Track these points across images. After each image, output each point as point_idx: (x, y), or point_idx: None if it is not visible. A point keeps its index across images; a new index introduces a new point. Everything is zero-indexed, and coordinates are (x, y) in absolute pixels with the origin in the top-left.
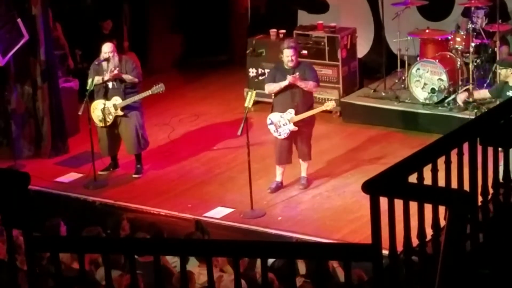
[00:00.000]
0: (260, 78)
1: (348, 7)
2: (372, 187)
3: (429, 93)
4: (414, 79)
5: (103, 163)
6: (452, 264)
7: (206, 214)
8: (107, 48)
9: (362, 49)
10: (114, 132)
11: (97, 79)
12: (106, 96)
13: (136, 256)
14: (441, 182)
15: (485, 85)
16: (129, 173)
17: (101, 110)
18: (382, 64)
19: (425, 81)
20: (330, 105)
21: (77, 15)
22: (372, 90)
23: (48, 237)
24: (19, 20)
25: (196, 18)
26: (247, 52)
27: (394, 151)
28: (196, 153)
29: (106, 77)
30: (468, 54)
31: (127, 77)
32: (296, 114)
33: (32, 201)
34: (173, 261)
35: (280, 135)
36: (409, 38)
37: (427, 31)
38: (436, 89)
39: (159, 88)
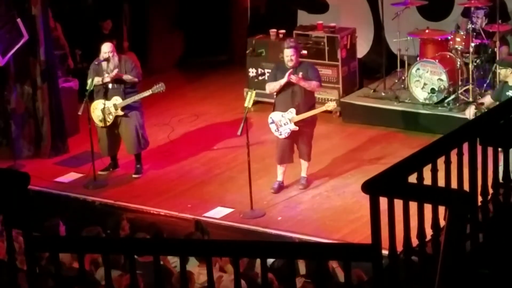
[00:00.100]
0: (260, 78)
1: (348, 7)
2: (372, 187)
3: (429, 93)
4: (414, 79)
5: (103, 163)
6: (452, 264)
7: (206, 214)
8: (106, 48)
9: (362, 49)
10: (114, 132)
11: (97, 80)
12: (106, 96)
13: (136, 256)
14: (441, 182)
15: (484, 85)
16: (129, 173)
17: (101, 110)
18: (382, 64)
19: (425, 81)
20: (331, 105)
21: (77, 15)
22: (372, 90)
23: (47, 237)
24: (19, 20)
25: (196, 18)
26: (247, 52)
27: (394, 151)
28: (196, 153)
29: (106, 78)
30: (468, 54)
31: (127, 77)
32: (297, 113)
33: (31, 201)
34: (173, 261)
35: (281, 134)
36: (409, 38)
37: (427, 31)
38: (436, 89)
39: (159, 87)
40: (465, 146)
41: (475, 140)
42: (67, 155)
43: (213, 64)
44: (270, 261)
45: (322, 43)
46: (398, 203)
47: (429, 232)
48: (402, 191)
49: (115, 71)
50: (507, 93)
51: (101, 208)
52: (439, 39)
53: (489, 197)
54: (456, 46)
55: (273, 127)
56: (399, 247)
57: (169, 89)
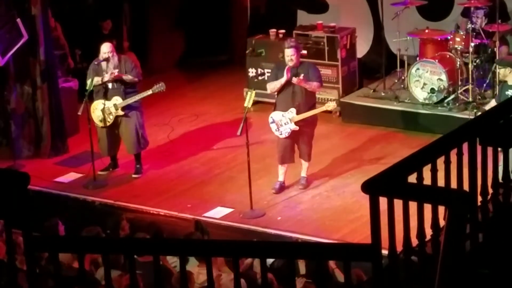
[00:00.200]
0: (260, 78)
1: (348, 7)
2: (372, 187)
3: (428, 93)
4: (414, 79)
5: (103, 163)
6: (452, 264)
7: (206, 214)
8: (106, 48)
9: (362, 49)
10: (114, 132)
11: (97, 80)
12: (106, 96)
13: (135, 256)
14: (441, 182)
15: (484, 85)
16: (128, 173)
17: (101, 110)
18: (382, 64)
19: (424, 81)
20: (331, 105)
21: (77, 15)
22: (372, 90)
23: (47, 237)
24: (18, 20)
25: (196, 18)
26: (247, 52)
27: (393, 151)
28: (195, 153)
29: (106, 78)
30: (467, 54)
31: (127, 77)
32: (297, 113)
33: (31, 201)
34: (172, 261)
35: (281, 134)
36: (408, 38)
37: (426, 31)
38: (436, 89)
39: (160, 87)
40: (465, 146)
41: (474, 140)
42: (67, 155)
43: (213, 64)
44: (269, 261)
45: (322, 43)
46: (398, 203)
47: (428, 232)
48: (402, 191)
49: (115, 71)
50: (506, 93)
51: (101, 208)
52: (439, 39)
53: (489, 197)
54: (456, 46)
55: (273, 126)
56: (399, 247)
57: (169, 89)
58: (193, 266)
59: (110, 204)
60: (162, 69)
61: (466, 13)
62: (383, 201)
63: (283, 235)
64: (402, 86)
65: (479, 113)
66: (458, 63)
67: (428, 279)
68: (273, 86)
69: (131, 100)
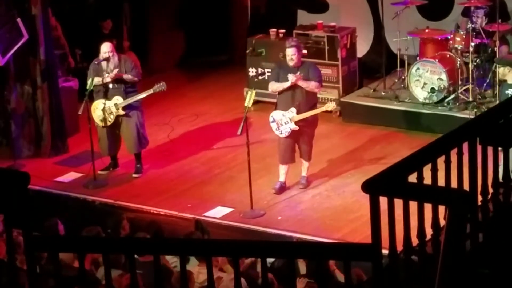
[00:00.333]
0: (260, 77)
1: (348, 7)
2: (372, 187)
3: (428, 92)
4: (414, 78)
5: (103, 162)
6: (452, 263)
7: (206, 214)
8: (106, 48)
9: (362, 48)
10: (114, 132)
11: (97, 80)
12: (106, 96)
13: (136, 256)
14: (441, 182)
15: (484, 84)
16: (128, 172)
17: (101, 110)
18: (382, 64)
19: (424, 81)
20: (331, 106)
21: (77, 14)
22: (372, 90)
23: (48, 237)
24: (18, 19)
25: (196, 18)
26: (247, 51)
27: (394, 151)
28: (195, 152)
29: (107, 78)
30: (467, 54)
31: (128, 77)
32: (297, 113)
33: (31, 201)
34: (172, 261)
35: (281, 133)
36: (408, 37)
37: (426, 30)
38: (436, 88)
39: (160, 86)
40: (465, 146)
41: (475, 139)
42: (67, 154)
43: (213, 64)
44: (270, 260)
45: (322, 43)
46: (398, 203)
47: (429, 231)
48: (402, 191)
49: (115, 71)
50: (506, 92)
51: (101, 208)
52: (439, 38)
53: (489, 196)
54: (456, 46)
55: (274, 125)
56: (399, 247)
57: (169, 88)
58: (193, 265)
59: (110, 203)
60: (162, 69)
61: (466, 13)
62: (383, 201)
63: (283, 234)
64: (402, 85)
65: (479, 112)
66: (458, 62)
67: (428, 279)
68: (275, 88)
69: (132, 100)
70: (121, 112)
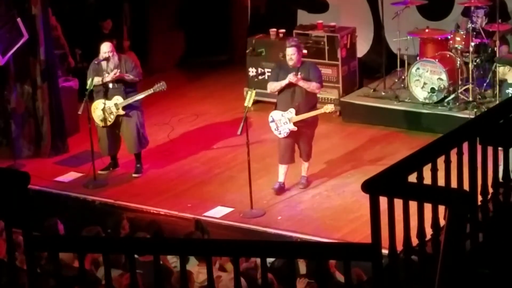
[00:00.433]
0: (260, 77)
1: (348, 7)
2: (372, 187)
3: (428, 92)
4: (414, 78)
5: (103, 162)
6: (452, 263)
7: (206, 214)
8: (106, 48)
9: (362, 48)
10: (114, 132)
11: (97, 80)
12: (106, 95)
13: (136, 256)
14: (441, 182)
15: (484, 84)
16: (128, 172)
17: (101, 109)
18: (382, 64)
19: (424, 81)
20: (329, 108)
21: (77, 14)
22: (372, 90)
23: (48, 237)
24: (19, 19)
25: (196, 18)
26: (247, 51)
27: (394, 151)
28: (195, 152)
29: (107, 78)
30: (467, 54)
31: (129, 77)
32: (297, 114)
33: (31, 201)
34: (172, 261)
35: (280, 133)
36: (408, 37)
37: (426, 30)
38: (436, 88)
39: (161, 86)
40: (465, 146)
41: (475, 139)
42: (67, 154)
43: (213, 64)
44: (270, 260)
45: (322, 43)
46: (398, 203)
47: (429, 231)
48: (402, 191)
49: (116, 71)
50: (507, 91)
51: (101, 208)
52: (439, 38)
53: (489, 196)
54: (456, 46)
55: (273, 125)
56: (399, 247)
57: (169, 88)
58: (193, 265)
59: (110, 203)
60: (162, 69)
61: (467, 13)
62: (383, 201)
63: (283, 234)
64: (402, 85)
65: (479, 112)
66: (458, 62)
67: (428, 278)
68: (273, 87)
69: (132, 100)
70: (121, 112)
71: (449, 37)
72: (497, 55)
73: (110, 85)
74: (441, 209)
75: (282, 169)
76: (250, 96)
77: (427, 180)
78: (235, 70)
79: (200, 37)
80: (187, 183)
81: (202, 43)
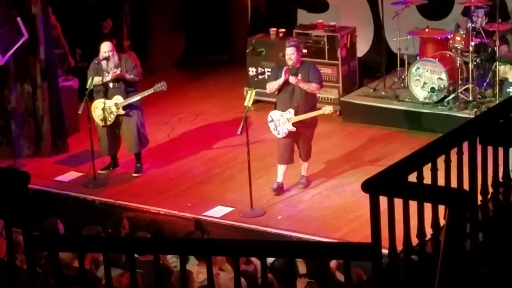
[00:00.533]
0: (260, 77)
1: (348, 6)
2: (372, 186)
3: (428, 92)
4: (414, 78)
5: (103, 162)
6: (452, 263)
7: (206, 213)
8: (106, 47)
9: (362, 48)
10: (114, 131)
11: (97, 79)
12: (106, 95)
13: (136, 255)
14: (441, 181)
15: (484, 84)
16: (129, 172)
17: (102, 109)
18: (382, 63)
19: (424, 80)
20: (327, 109)
21: (77, 14)
22: (372, 89)
23: (48, 236)
24: (18, 19)
25: (196, 18)
26: (247, 51)
27: (393, 151)
28: (195, 152)
29: (108, 77)
30: (467, 53)
31: (130, 76)
32: (296, 114)
33: (31, 200)
34: (172, 260)
35: (278, 133)
36: (408, 37)
37: (426, 30)
38: (436, 88)
39: (161, 86)
40: (465, 145)
41: (475, 139)
42: (67, 154)
43: (213, 64)
44: (270, 260)
45: (322, 42)
46: (398, 202)
47: (429, 231)
48: (402, 190)
49: (117, 70)
50: (508, 90)
51: (101, 207)
52: (439, 38)
53: (489, 196)
54: (456, 45)
55: (272, 125)
56: (399, 246)
57: (169, 88)
58: (193, 265)
59: (111, 203)
60: (163, 69)
61: (467, 12)
62: (383, 200)
63: (283, 234)
64: (402, 85)
65: (479, 112)
66: (458, 62)
67: (428, 278)
68: (271, 87)
69: (132, 99)
70: (121, 112)
71: (449, 36)
72: (497, 55)
73: (110, 85)
74: (441, 209)
75: (281, 169)
76: (250, 96)
77: (427, 180)
78: (235, 69)
79: (200, 37)
80: (187, 183)
81: (202, 43)
